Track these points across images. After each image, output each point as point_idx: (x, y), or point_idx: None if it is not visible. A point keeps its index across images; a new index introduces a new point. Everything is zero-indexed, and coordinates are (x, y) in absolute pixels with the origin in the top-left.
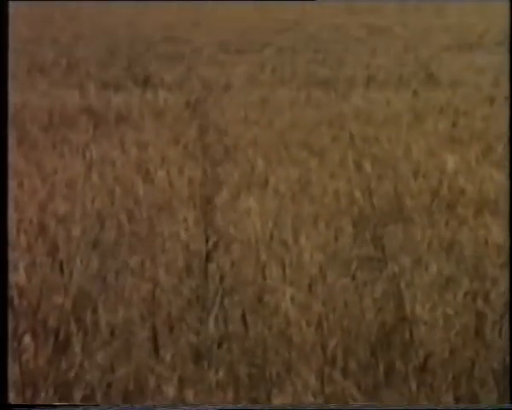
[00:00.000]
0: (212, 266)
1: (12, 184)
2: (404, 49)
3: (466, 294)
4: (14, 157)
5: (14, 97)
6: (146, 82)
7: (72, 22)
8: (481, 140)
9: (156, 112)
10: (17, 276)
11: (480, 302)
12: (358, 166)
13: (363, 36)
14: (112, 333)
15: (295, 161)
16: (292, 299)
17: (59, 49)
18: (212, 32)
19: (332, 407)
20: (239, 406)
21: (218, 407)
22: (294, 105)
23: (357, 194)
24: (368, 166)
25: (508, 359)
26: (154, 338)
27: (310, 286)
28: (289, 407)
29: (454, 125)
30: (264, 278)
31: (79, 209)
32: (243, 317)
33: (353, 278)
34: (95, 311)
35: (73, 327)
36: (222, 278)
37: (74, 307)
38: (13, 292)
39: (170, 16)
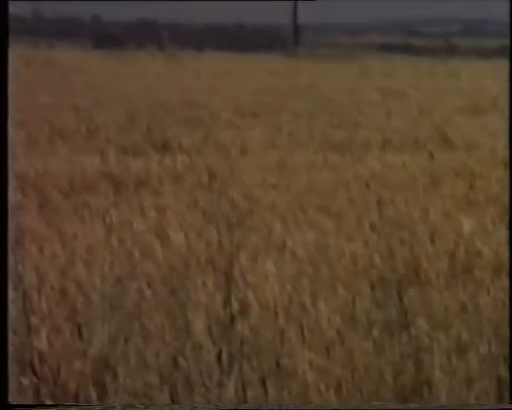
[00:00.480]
0: (232, 331)
1: (33, 248)
2: (419, 112)
3: (485, 358)
4: (34, 222)
5: (35, 163)
6: (164, 147)
7: (91, 88)
8: (497, 202)
9: (175, 176)
10: (38, 341)
11: (500, 366)
12: (375, 229)
13: (377, 99)
14: (131, 398)
15: (312, 224)
16: (310, 363)
17: (79, 116)
18: (229, 97)
19: (332, 407)
20: (239, 406)
21: (218, 407)
22: (311, 168)
23: (375, 257)
24: (385, 229)
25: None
26: (174, 403)
27: (328, 350)
28: (291, 407)
29: (470, 187)
30: (283, 342)
31: (99, 274)
32: (262, 381)
33: (372, 341)
34: (114, 375)
35: (93, 392)
36: (241, 343)
37: (94, 371)
38: (34, 357)
39: (187, 82)
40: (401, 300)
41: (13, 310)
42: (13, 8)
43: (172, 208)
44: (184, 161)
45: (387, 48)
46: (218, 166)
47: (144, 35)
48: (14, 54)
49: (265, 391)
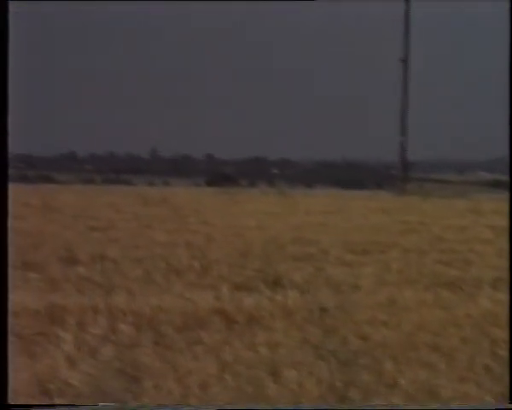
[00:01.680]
0: None
1: (148, 384)
2: None
3: None
4: (150, 358)
5: (151, 300)
6: (276, 283)
7: (204, 225)
8: None
9: (286, 312)
10: None
11: None
12: (488, 370)
13: (488, 237)
14: None
15: (424, 363)
16: None
17: (193, 252)
18: (339, 234)
19: (332, 407)
20: (239, 406)
21: (218, 407)
22: (422, 306)
23: (488, 399)
24: (498, 370)
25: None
26: None
27: None
28: (289, 407)
29: None
30: None
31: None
32: None
33: None
34: None
35: None
36: None
37: None
38: None
39: (297, 218)
40: None
41: None
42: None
43: (284, 345)
44: (295, 297)
45: (497, 185)
46: (329, 303)
47: (255, 172)
48: (134, 193)
49: None
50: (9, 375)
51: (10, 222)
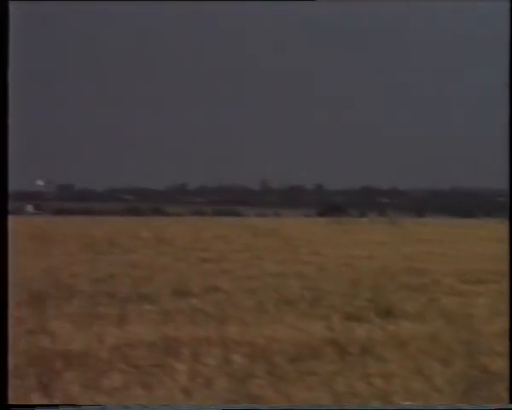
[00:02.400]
0: None
1: None
2: None
3: None
4: (263, 390)
5: (264, 330)
6: (388, 313)
7: (315, 256)
8: None
9: (399, 343)
10: None
11: None
12: None
13: None
14: None
15: None
16: None
17: (304, 283)
18: (451, 262)
19: (332, 407)
20: (239, 406)
21: (218, 407)
22: None
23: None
24: None
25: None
26: None
27: None
28: (289, 407)
29: None
30: None
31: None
32: None
33: None
34: None
35: None
36: None
37: None
38: None
39: (409, 248)
40: None
41: None
42: (242, 181)
43: (397, 375)
44: (408, 328)
45: None
46: (443, 334)
47: (365, 202)
48: (245, 224)
49: None
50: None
51: (124, 256)
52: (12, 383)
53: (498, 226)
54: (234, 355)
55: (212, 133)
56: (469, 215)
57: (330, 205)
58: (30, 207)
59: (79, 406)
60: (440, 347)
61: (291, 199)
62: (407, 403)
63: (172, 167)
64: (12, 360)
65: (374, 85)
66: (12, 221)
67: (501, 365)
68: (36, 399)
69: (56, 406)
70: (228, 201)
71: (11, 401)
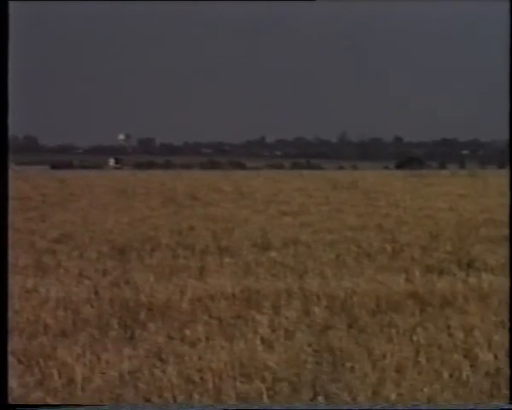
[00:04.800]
0: None
1: (343, 368)
2: None
3: None
4: (344, 342)
5: (344, 283)
6: (469, 266)
7: (395, 208)
8: None
9: (481, 295)
10: None
11: None
12: None
13: None
14: None
15: None
16: None
17: (384, 236)
18: None
19: (332, 407)
20: (239, 406)
21: (218, 407)
22: None
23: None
24: None
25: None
26: None
27: None
28: (289, 407)
29: None
30: None
31: (409, 396)
32: None
33: None
34: None
35: None
36: None
37: None
38: None
39: (489, 200)
40: None
41: None
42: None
43: (479, 328)
44: (490, 280)
45: None
46: None
47: (445, 154)
48: (324, 177)
49: None
50: (9, 375)
51: (205, 209)
52: (99, 333)
53: None
54: (314, 308)
55: (289, 85)
56: None
57: (409, 157)
58: (112, 162)
59: (81, 406)
60: None
61: (370, 152)
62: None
63: (250, 121)
64: (97, 311)
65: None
66: (94, 175)
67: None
68: (121, 349)
69: (58, 406)
70: (306, 154)
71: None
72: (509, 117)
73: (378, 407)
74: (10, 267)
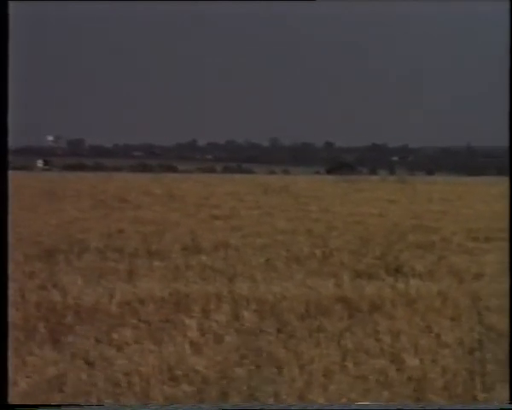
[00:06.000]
0: None
1: (270, 371)
2: None
3: None
4: (273, 346)
5: (273, 287)
6: (397, 271)
7: (325, 213)
8: None
9: (408, 300)
10: None
11: None
12: None
13: None
14: None
15: None
16: None
17: (314, 240)
18: (460, 221)
19: (332, 407)
20: (239, 406)
21: (218, 407)
22: None
23: None
24: None
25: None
26: None
27: None
28: (289, 408)
29: None
30: None
31: (336, 399)
32: None
33: None
34: None
35: None
36: None
37: None
38: None
39: (418, 206)
40: None
41: None
42: (252, 137)
43: (406, 333)
44: (418, 285)
45: None
46: (451, 291)
47: (375, 160)
48: (255, 181)
49: None
50: (9, 375)
51: (135, 211)
52: (25, 337)
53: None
54: (244, 311)
55: (221, 88)
56: (481, 174)
57: (340, 162)
58: (40, 163)
59: (81, 405)
60: (448, 304)
61: (301, 156)
62: (407, 403)
63: (182, 124)
64: (23, 314)
65: (379, 37)
66: (22, 177)
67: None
68: (47, 351)
69: (58, 406)
70: (237, 158)
71: (12, 400)
72: (509, 121)
73: (378, 407)
74: None
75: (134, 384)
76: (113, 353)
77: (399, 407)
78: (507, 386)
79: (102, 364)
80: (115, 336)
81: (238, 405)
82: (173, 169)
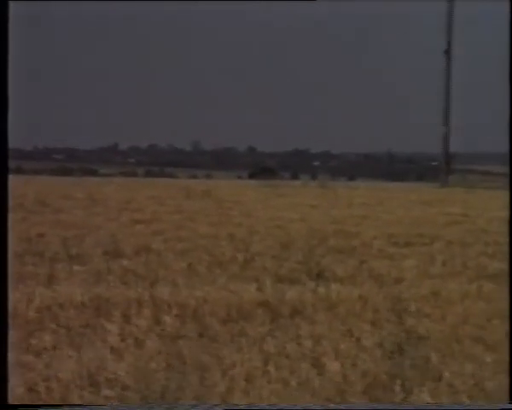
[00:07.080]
0: None
1: (193, 378)
2: None
3: None
4: (194, 350)
5: (195, 292)
6: (319, 276)
7: (247, 218)
8: None
9: (329, 305)
10: None
11: None
12: None
13: None
14: None
15: (469, 357)
16: None
17: (235, 245)
18: (381, 226)
19: (332, 407)
20: (239, 406)
21: (218, 407)
22: (465, 298)
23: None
24: None
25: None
26: None
27: None
28: (290, 408)
29: None
30: None
31: (257, 403)
32: None
33: None
34: None
35: None
36: None
37: None
38: None
39: (339, 211)
40: None
41: None
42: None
43: (327, 337)
44: (339, 290)
45: None
46: (371, 296)
47: (297, 165)
48: (177, 186)
49: None
50: (9, 375)
51: (55, 215)
52: None
53: (430, 190)
54: (165, 316)
55: (140, 92)
56: (402, 179)
57: (262, 167)
58: None
59: (81, 406)
60: (369, 308)
61: (223, 161)
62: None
63: (103, 127)
64: None
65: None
66: None
67: (427, 326)
68: None
69: (59, 406)
70: (160, 162)
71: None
72: (509, 123)
73: (378, 407)
74: None
75: (52, 390)
76: (30, 358)
77: (397, 407)
78: (425, 389)
79: (20, 370)
80: (33, 341)
81: (240, 405)
82: (94, 173)
